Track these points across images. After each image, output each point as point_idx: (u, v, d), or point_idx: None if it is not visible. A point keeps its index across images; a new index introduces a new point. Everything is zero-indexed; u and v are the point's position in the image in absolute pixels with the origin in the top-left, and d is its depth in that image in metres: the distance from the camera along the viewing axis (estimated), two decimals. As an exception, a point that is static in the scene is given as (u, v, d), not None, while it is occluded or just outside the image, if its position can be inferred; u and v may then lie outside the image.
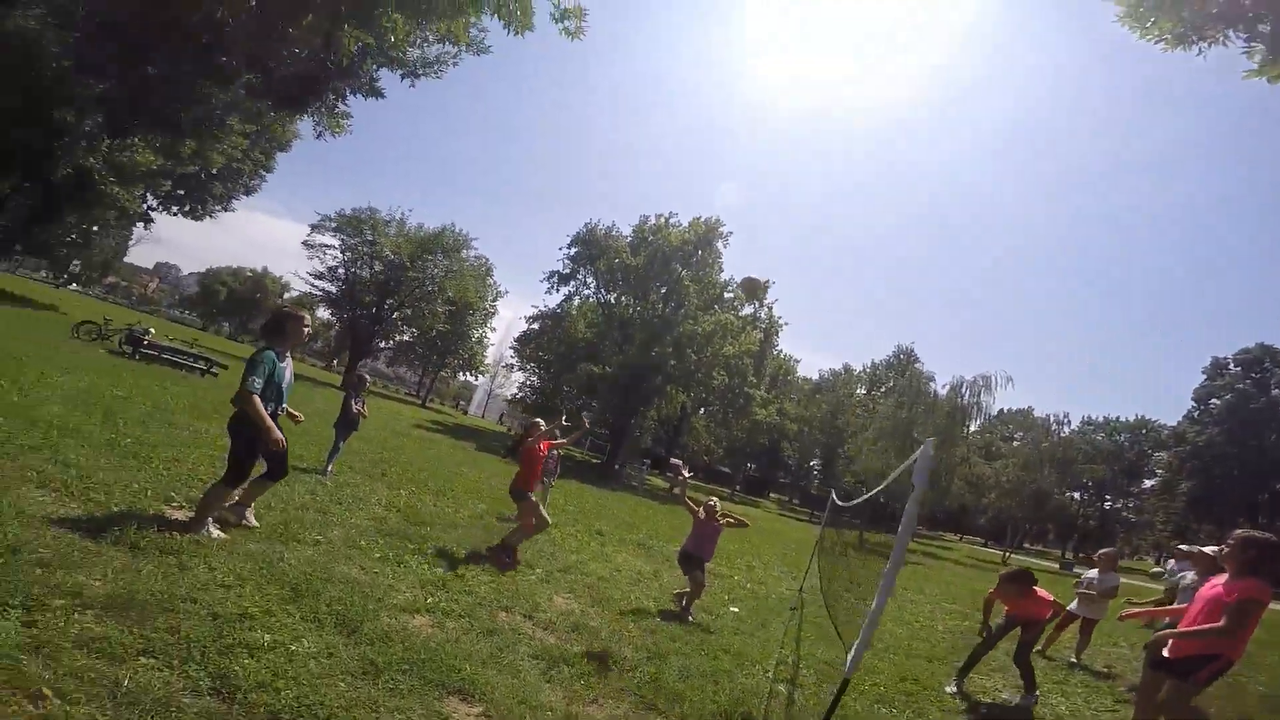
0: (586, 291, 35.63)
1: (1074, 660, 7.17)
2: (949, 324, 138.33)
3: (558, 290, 35.39)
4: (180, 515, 4.63)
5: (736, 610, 6.74)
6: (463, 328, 48.78)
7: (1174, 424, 46.89)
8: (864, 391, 55.61)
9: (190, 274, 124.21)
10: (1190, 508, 41.15)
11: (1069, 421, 52.46)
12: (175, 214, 35.26)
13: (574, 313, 35.68)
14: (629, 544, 9.59)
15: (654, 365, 29.14)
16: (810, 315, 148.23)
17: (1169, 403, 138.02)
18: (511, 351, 43.16)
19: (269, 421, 4.31)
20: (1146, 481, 55.63)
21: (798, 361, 53.71)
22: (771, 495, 60.76)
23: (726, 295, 35.27)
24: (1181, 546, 10.70)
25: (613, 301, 34.96)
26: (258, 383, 4.27)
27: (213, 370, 17.64)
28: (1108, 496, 58.63)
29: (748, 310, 35.99)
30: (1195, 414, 43.43)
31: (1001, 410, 47.03)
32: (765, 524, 24.70)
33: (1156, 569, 9.48)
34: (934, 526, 49.72)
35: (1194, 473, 41.45)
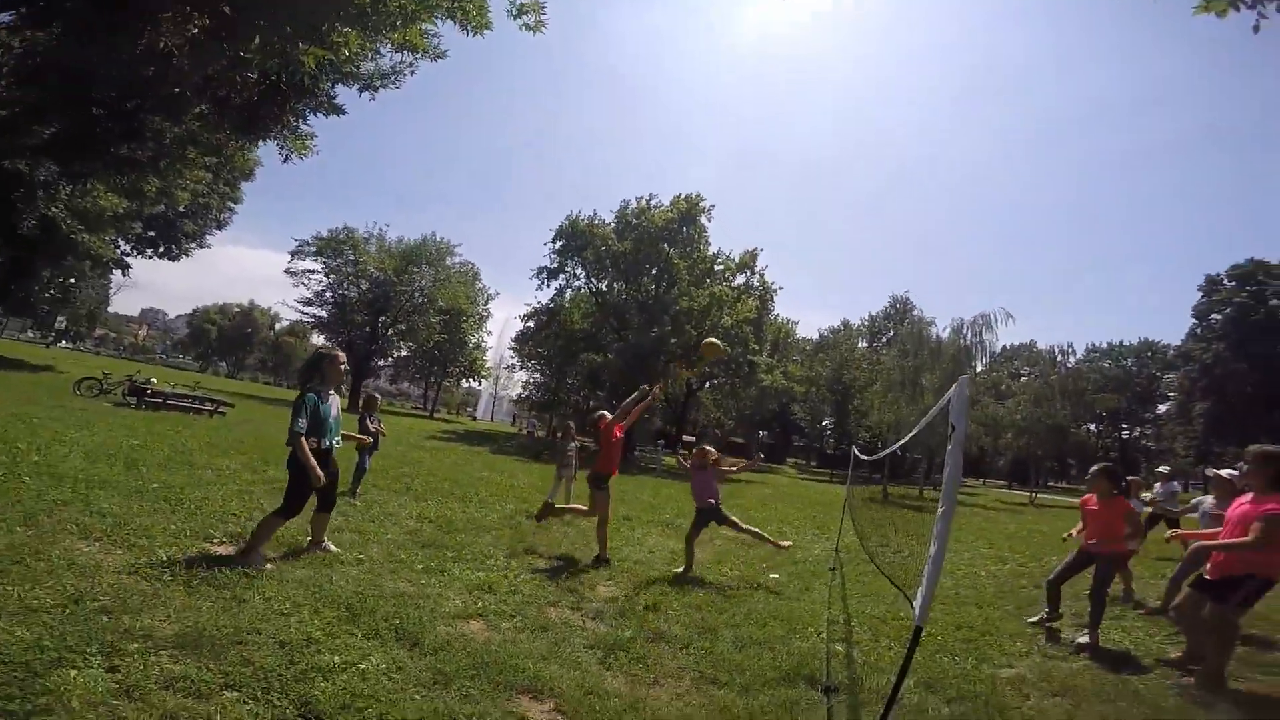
0: (577, 283, 35.55)
1: (1124, 597, 6.98)
2: (938, 268, 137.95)
3: (548, 285, 35.40)
4: (224, 551, 4.69)
5: (776, 576, 6.79)
6: (458, 335, 48.82)
7: (1178, 343, 46.91)
8: (865, 345, 55.66)
9: (178, 316, 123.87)
10: (1210, 429, 41.09)
11: (1074, 351, 52.24)
12: (151, 257, 35.19)
13: (567, 305, 35.62)
14: (657, 525, 9.66)
15: (654, 346, 29.25)
16: (803, 275, 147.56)
17: (1165, 324, 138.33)
18: (511, 352, 43.28)
19: (311, 460, 4.58)
20: (1160, 406, 55.38)
21: (796, 323, 53.66)
22: (789, 460, 60.90)
23: (717, 267, 35.29)
24: (1161, 469, 10.89)
25: (605, 289, 34.92)
26: (302, 423, 4.57)
27: (220, 410, 17.66)
28: (1124, 425, 58.68)
29: (740, 280, 36.04)
30: (1198, 331, 43.46)
31: (1005, 347, 46.86)
32: (788, 489, 24.86)
33: (1146, 494, 9.55)
34: (955, 473, 49.72)
35: (1207, 392, 41.40)
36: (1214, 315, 42.42)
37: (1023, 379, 46.73)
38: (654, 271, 33.51)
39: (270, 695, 2.71)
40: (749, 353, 33.53)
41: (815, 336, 60.49)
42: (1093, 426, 56.66)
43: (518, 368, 43.66)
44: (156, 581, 3.73)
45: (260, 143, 15.04)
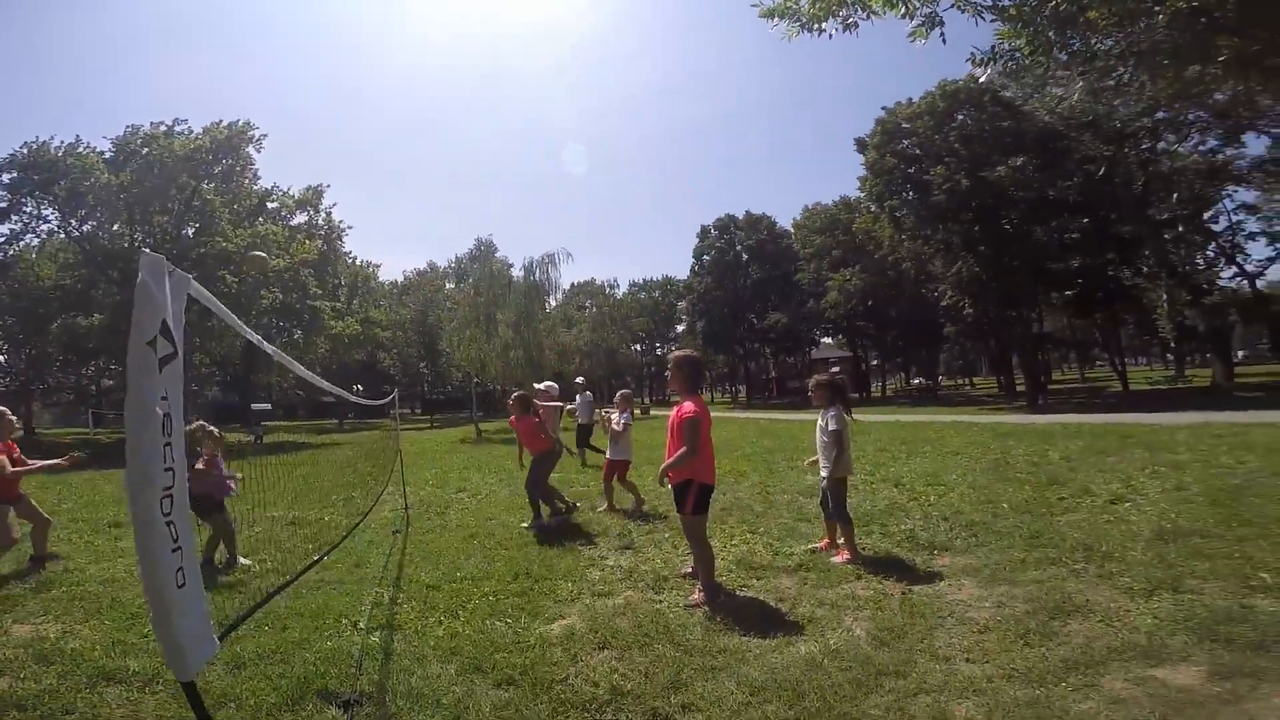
0: (45, 226, 26.39)
1: (631, 510, 7.12)
2: (521, 214, 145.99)
3: (-12, 231, 24.89)
4: None
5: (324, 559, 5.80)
6: None
7: (685, 277, 60.66)
8: (452, 285, 56.01)
9: None
10: (706, 342, 54.73)
11: (619, 285, 63.53)
12: None
13: (32, 256, 26.60)
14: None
15: (173, 296, 23.42)
16: (390, 217, 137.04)
17: (681, 263, 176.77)
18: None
19: None
20: (679, 327, 71.02)
21: (378, 266, 50.47)
22: (391, 412, 57.34)
23: (270, 205, 30.19)
24: (578, 380, 10.89)
25: (94, 232, 26.29)
26: None
27: None
28: (657, 344, 73.69)
29: (302, 218, 31.75)
30: (696, 268, 57.01)
31: (573, 284, 53.36)
32: (377, 444, 23.18)
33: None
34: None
35: (702, 314, 55.06)
36: (705, 256, 56.38)
37: (585, 310, 54.24)
38: (174, 209, 26.64)
39: None
40: (309, 298, 29.91)
41: (401, 279, 58.28)
42: (636, 347, 69.83)
43: (-48, 350, 29.65)
44: None
45: None
